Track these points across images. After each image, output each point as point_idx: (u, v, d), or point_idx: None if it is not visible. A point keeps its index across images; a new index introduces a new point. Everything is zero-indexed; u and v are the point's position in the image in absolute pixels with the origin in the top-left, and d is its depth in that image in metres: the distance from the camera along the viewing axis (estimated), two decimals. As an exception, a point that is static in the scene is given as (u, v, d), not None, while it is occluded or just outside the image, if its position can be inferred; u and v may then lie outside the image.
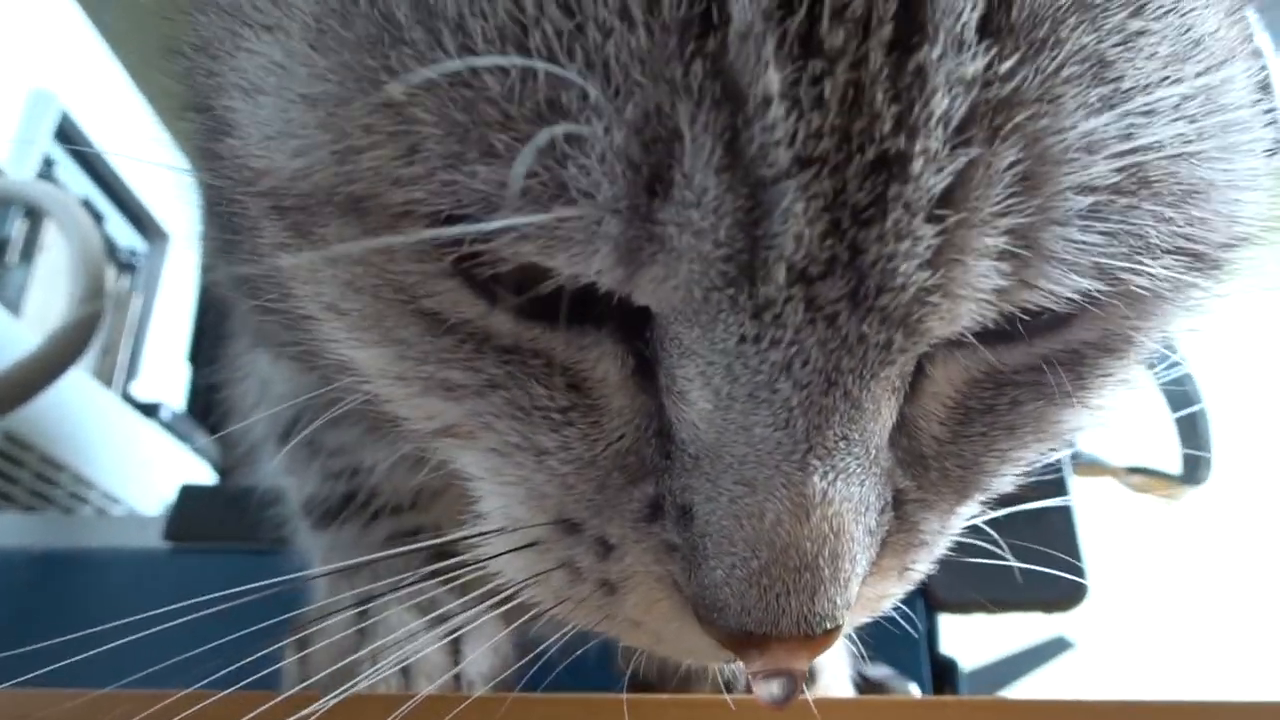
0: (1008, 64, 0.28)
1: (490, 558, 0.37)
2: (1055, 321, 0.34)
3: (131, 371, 1.06)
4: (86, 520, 0.83)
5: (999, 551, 0.43)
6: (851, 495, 0.32)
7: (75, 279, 0.74)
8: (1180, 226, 0.32)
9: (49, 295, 0.92)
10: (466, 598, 0.40)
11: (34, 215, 0.93)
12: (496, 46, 0.28)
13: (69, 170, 1.00)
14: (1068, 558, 0.58)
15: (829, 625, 0.32)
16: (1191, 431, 0.65)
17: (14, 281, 0.90)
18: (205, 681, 0.43)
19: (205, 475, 1.09)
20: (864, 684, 0.53)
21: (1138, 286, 0.32)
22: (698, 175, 0.27)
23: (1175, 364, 0.68)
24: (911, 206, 0.28)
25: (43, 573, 0.64)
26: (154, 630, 0.57)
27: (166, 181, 1.14)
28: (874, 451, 0.32)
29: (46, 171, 0.96)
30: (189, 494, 0.63)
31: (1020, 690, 1.13)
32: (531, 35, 0.28)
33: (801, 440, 0.31)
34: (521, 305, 0.32)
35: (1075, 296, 0.31)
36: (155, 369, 1.10)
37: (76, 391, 0.92)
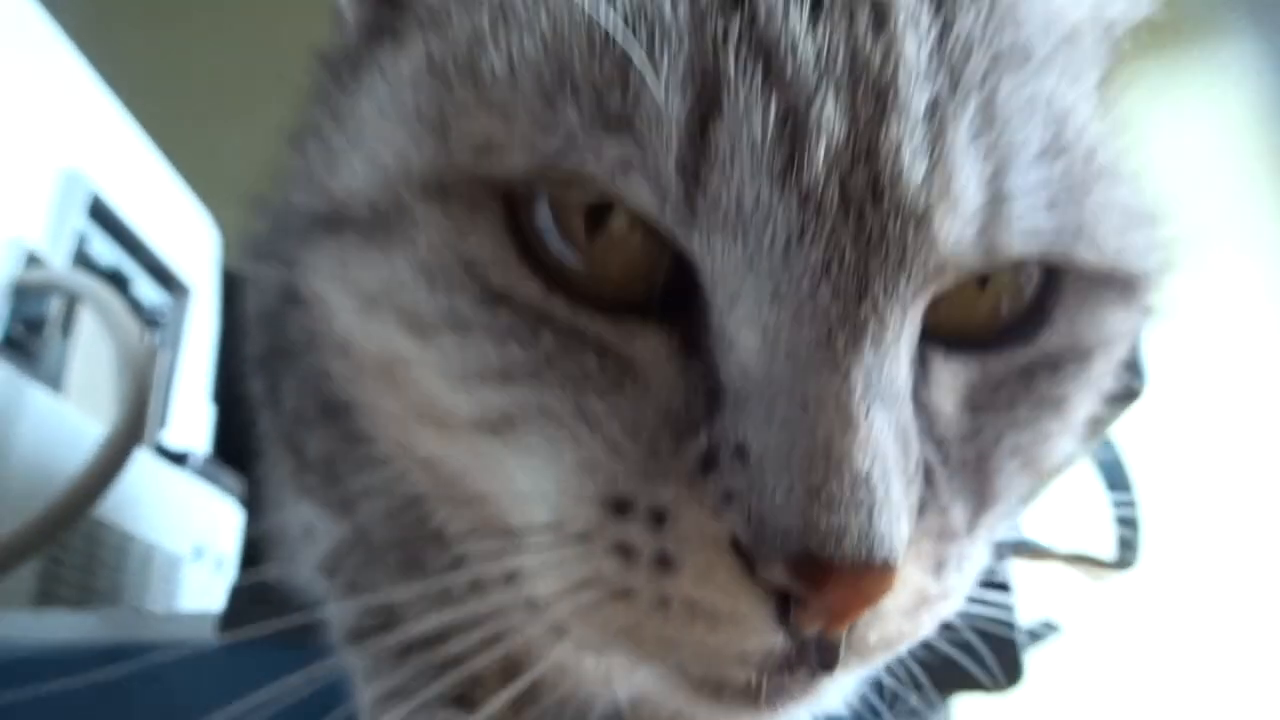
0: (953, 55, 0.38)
1: (540, 557, 0.39)
2: (1028, 328, 0.41)
3: (161, 422, 1.14)
4: (139, 616, 0.91)
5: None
6: (890, 421, 0.36)
7: (116, 379, 0.82)
8: (1107, 222, 0.40)
9: (89, 366, 1.00)
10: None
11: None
12: (582, 20, 0.37)
13: (100, 242, 1.07)
14: (1007, 639, 0.66)
15: (887, 555, 0.34)
16: (1124, 518, 0.73)
17: (53, 358, 0.97)
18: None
19: (232, 514, 1.17)
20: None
21: (1083, 262, 0.40)
22: (743, 93, 0.35)
23: (1113, 454, 0.77)
24: (907, 116, 0.36)
25: (96, 668, 0.71)
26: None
27: (186, 239, 1.21)
28: (900, 392, 0.37)
29: (80, 247, 1.03)
30: (238, 593, 0.71)
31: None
32: (608, 14, 0.37)
33: (842, 357, 0.35)
34: (575, 290, 0.38)
35: (1037, 253, 0.39)
36: (182, 416, 1.18)
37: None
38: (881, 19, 0.37)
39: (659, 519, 0.37)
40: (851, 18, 0.37)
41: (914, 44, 0.37)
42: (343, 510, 0.56)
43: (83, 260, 1.04)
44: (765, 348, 0.36)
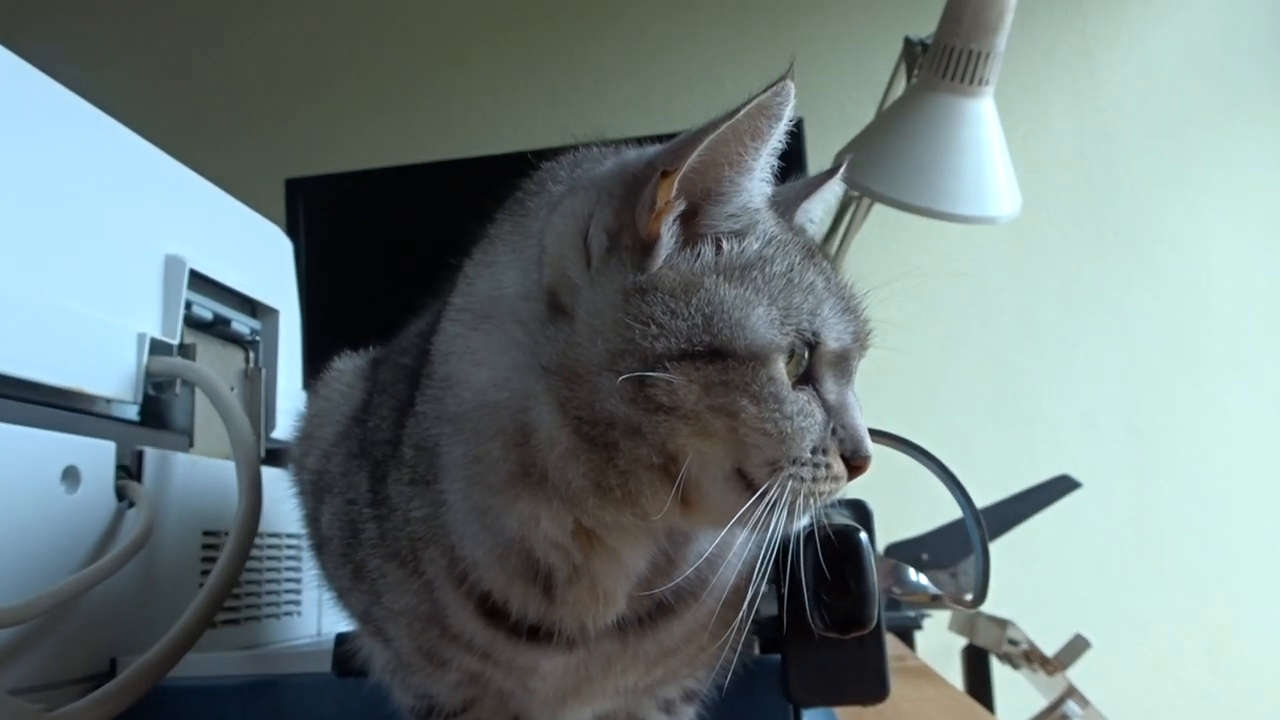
0: None
1: None
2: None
3: (268, 430, 1.43)
4: (272, 654, 1.21)
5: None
6: None
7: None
8: None
9: (210, 420, 1.27)
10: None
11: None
12: None
13: (200, 302, 1.32)
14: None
15: None
16: (981, 565, 0.96)
17: (182, 421, 1.24)
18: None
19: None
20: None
21: None
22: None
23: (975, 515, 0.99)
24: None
25: (242, 696, 1.01)
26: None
27: (266, 263, 1.46)
28: None
29: (189, 313, 1.28)
30: (343, 638, 0.99)
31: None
32: None
33: None
34: None
35: None
36: (282, 419, 1.46)
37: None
38: None
39: None
40: None
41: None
42: (384, 643, 0.83)
43: (190, 321, 1.29)
44: None
